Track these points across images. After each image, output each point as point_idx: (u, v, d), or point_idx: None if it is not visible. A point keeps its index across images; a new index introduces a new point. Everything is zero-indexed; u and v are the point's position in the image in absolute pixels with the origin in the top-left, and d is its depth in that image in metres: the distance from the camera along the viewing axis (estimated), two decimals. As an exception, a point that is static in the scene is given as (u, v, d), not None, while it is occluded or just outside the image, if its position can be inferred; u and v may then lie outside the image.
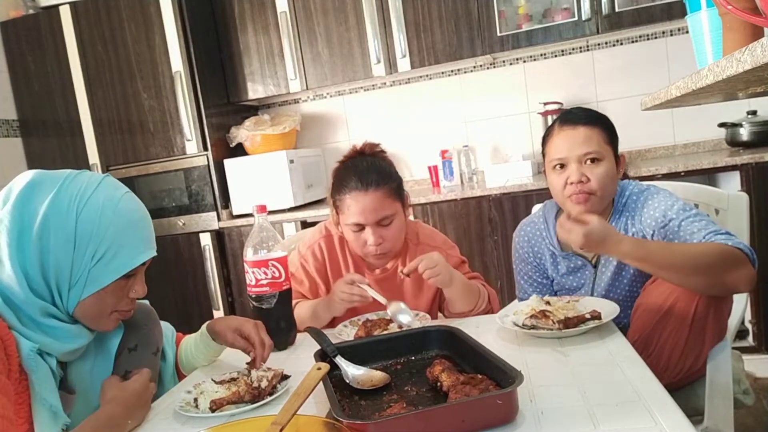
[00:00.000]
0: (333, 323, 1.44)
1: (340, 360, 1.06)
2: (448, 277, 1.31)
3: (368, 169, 1.42)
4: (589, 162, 1.39)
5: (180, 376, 1.30)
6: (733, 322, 1.36)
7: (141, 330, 1.17)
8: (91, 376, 1.08)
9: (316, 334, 1.16)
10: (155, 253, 1.08)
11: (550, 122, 2.36)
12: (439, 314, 1.56)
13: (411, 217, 2.82)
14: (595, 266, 1.47)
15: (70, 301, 1.00)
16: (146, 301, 1.23)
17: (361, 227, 1.41)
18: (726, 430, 1.31)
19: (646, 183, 1.46)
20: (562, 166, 1.42)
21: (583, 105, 2.71)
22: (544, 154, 1.51)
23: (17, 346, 0.93)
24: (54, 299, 0.99)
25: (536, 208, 1.68)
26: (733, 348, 1.39)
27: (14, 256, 0.95)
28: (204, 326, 1.27)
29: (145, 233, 1.07)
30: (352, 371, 1.03)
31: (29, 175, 1.01)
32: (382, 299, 1.32)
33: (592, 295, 1.46)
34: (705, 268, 1.19)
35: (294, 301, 1.46)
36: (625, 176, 1.53)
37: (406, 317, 1.28)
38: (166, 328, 1.30)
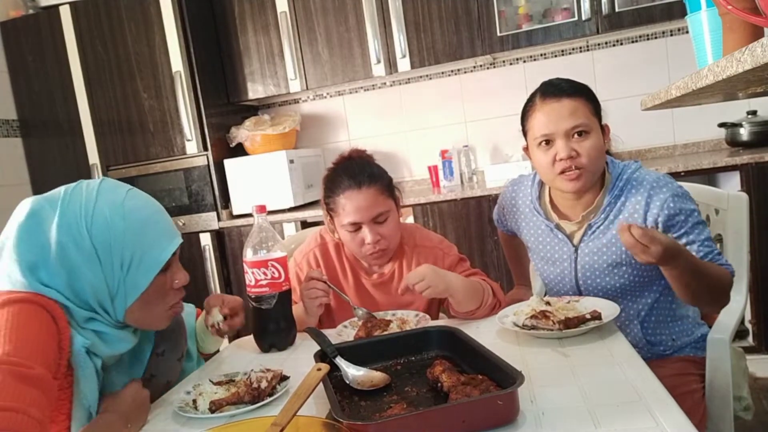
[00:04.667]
0: (333, 324, 1.44)
1: (339, 361, 1.06)
2: (443, 286, 1.28)
3: (359, 169, 1.43)
4: (576, 136, 1.32)
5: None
6: (733, 322, 1.36)
7: (169, 336, 1.18)
8: (123, 381, 1.08)
9: (316, 334, 1.16)
10: (181, 240, 1.07)
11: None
12: (441, 314, 1.56)
13: (411, 219, 2.83)
14: (576, 247, 1.42)
15: (117, 311, 1.00)
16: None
17: (357, 226, 1.42)
18: (725, 430, 1.31)
19: (654, 171, 1.41)
20: (548, 142, 1.34)
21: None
22: (525, 131, 1.43)
23: (70, 342, 0.94)
24: (99, 313, 1.00)
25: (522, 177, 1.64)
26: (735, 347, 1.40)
27: (40, 287, 0.94)
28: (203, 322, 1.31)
29: (163, 225, 1.06)
30: (352, 372, 1.03)
31: (26, 205, 1.00)
32: (341, 294, 1.43)
33: (575, 274, 1.43)
34: (716, 294, 1.25)
35: None
36: (608, 153, 1.47)
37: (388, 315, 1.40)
38: (188, 314, 1.31)
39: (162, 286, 1.04)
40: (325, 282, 1.39)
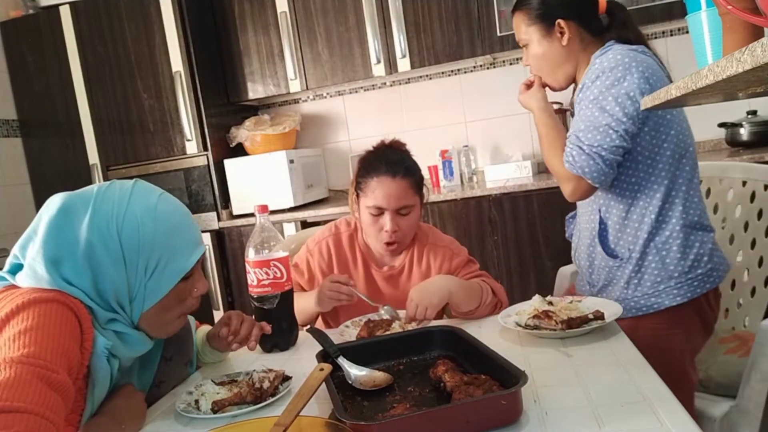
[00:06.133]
0: (334, 324, 1.44)
1: (342, 361, 1.06)
2: (437, 297, 1.31)
3: (398, 160, 1.50)
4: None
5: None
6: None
7: (178, 341, 1.17)
8: (135, 385, 1.08)
9: (318, 334, 1.16)
10: (204, 249, 1.07)
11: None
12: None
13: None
14: None
15: (134, 314, 1.00)
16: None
17: (380, 211, 1.46)
18: (755, 411, 1.32)
19: (627, 51, 1.47)
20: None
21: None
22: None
23: (93, 343, 0.93)
24: (119, 313, 0.99)
25: None
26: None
27: (65, 285, 0.94)
28: (204, 335, 1.28)
29: (191, 233, 1.05)
30: (355, 372, 1.03)
31: (58, 200, 0.99)
32: (370, 301, 1.42)
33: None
34: (551, 165, 1.47)
35: None
36: None
37: (401, 313, 1.37)
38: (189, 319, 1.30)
39: (181, 293, 1.03)
40: (348, 285, 1.39)
